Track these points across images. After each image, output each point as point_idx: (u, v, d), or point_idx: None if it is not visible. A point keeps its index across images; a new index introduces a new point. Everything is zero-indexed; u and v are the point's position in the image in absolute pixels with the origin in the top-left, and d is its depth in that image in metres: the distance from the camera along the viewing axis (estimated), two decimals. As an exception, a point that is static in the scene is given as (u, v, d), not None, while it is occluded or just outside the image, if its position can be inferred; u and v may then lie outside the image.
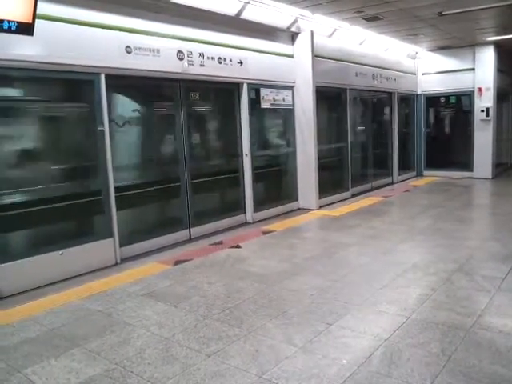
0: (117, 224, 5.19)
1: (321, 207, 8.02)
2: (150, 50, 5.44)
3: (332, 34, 8.29)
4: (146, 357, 3.02)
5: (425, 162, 11.81)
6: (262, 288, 4.20)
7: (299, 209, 8.01)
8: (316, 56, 7.76)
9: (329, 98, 8.83)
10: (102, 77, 4.96)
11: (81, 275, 4.77)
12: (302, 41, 7.67)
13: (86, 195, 5.09)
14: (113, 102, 5.36)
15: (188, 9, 5.71)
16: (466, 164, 11.11)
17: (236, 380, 2.70)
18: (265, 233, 6.40)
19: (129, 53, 5.22)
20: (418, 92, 11.66)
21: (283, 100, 7.66)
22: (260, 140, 7.50)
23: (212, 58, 6.26)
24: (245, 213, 7.13)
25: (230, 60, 6.56)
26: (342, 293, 4.02)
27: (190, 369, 2.84)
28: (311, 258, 5.13)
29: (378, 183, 10.39)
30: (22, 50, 4.28)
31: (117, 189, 5.20)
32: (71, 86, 5.03)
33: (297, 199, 8.06)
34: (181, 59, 5.83)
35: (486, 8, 7.09)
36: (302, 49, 7.70)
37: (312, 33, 7.62)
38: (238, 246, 5.70)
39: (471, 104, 10.88)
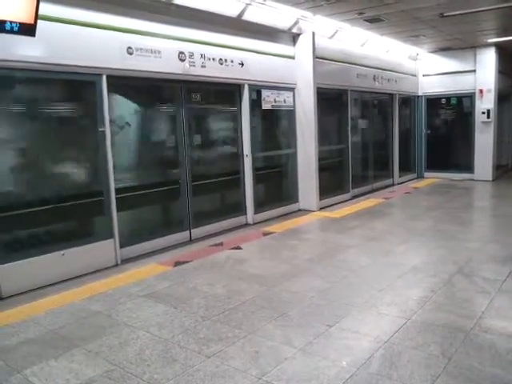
0: (117, 225, 5.19)
1: (321, 209, 8.01)
2: (151, 51, 5.45)
3: (333, 35, 8.29)
4: (146, 358, 3.02)
5: (425, 163, 11.79)
6: (262, 289, 4.20)
7: (300, 210, 8.00)
8: (317, 57, 7.76)
9: (330, 100, 8.83)
10: (104, 78, 4.97)
11: (81, 276, 4.78)
12: (304, 42, 7.68)
13: (87, 196, 5.09)
14: (114, 103, 5.36)
15: (189, 10, 5.71)
16: (467, 166, 11.09)
17: (236, 381, 2.70)
18: (265, 234, 6.40)
19: (130, 54, 5.23)
20: (419, 93, 11.65)
21: (284, 101, 7.66)
22: (261, 141, 7.50)
23: (213, 59, 6.27)
24: (245, 214, 7.13)
25: (232, 61, 6.57)
26: (342, 294, 4.02)
27: (189, 370, 2.84)
28: (311, 260, 5.13)
29: (379, 185, 10.38)
30: (24, 50, 4.29)
31: (117, 190, 5.21)
32: (72, 86, 5.03)
33: (297, 200, 8.06)
34: (182, 60, 5.84)
35: (487, 10, 7.10)
36: (303, 50, 7.71)
37: (313, 34, 7.63)
38: (238, 248, 5.70)
39: (472, 106, 10.86)
